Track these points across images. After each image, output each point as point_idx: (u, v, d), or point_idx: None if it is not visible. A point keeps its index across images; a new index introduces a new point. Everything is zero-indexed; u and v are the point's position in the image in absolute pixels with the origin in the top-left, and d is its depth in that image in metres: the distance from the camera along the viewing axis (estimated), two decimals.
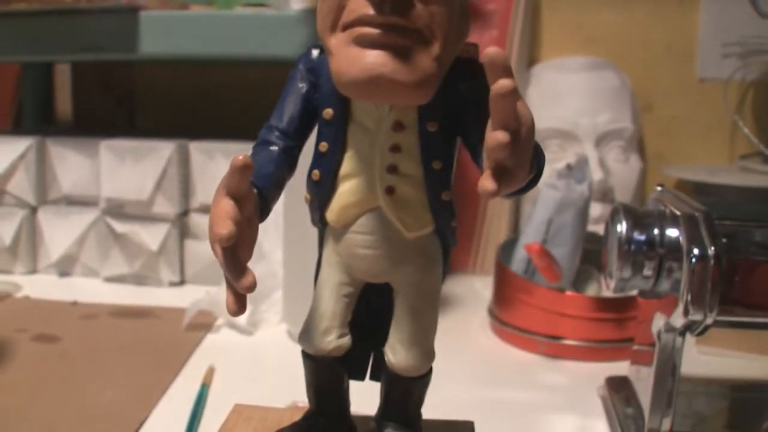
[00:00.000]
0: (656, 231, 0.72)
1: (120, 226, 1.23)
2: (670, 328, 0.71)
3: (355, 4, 0.44)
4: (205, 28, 1.15)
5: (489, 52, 0.38)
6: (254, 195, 0.45)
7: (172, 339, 1.02)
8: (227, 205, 0.42)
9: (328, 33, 0.45)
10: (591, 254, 1.11)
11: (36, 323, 1.07)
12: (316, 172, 0.50)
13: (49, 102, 1.64)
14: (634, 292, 0.79)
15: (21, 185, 1.29)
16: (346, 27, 0.44)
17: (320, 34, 0.46)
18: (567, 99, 1.34)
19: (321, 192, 0.50)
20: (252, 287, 0.42)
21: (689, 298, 0.66)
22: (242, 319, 1.04)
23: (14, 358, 0.95)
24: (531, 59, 1.47)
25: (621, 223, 0.73)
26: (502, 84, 0.37)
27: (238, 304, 0.43)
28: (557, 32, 1.50)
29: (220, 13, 1.19)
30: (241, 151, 1.11)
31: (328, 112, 0.49)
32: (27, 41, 1.21)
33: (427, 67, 0.43)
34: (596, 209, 1.23)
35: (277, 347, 1.01)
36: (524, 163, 0.40)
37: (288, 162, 0.50)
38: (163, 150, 1.21)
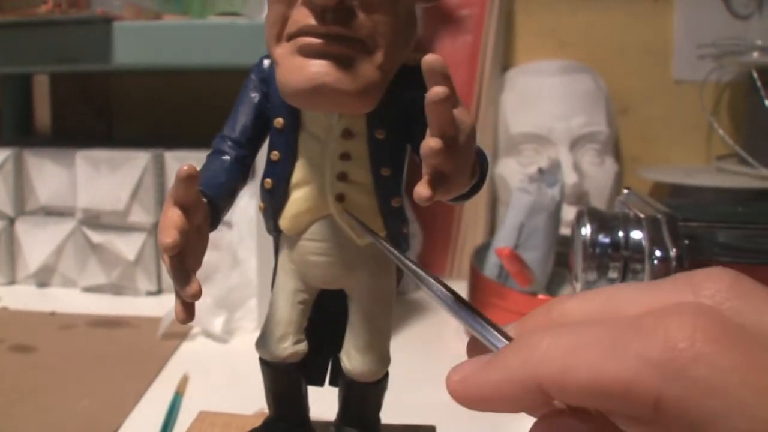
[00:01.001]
0: (621, 234, 0.72)
1: (97, 237, 1.24)
2: None
3: (298, 14, 0.44)
4: (179, 38, 1.15)
5: (427, 59, 0.39)
6: (204, 204, 0.46)
7: (147, 348, 1.03)
8: (174, 215, 0.43)
9: (274, 43, 0.46)
10: (564, 257, 1.11)
11: (14, 334, 1.07)
12: (268, 180, 0.51)
13: (27, 113, 1.65)
14: None
15: None
16: (291, 37, 0.45)
17: (267, 44, 0.47)
18: (541, 103, 1.35)
19: (274, 200, 0.51)
20: (197, 296, 0.42)
21: None
22: (217, 327, 1.05)
23: None
24: (506, 64, 1.47)
25: (586, 226, 0.74)
26: (436, 91, 0.38)
27: (186, 312, 0.44)
28: (532, 36, 1.50)
29: (193, 22, 1.20)
30: None
31: (279, 121, 0.49)
32: (2, 53, 1.21)
33: (370, 76, 0.44)
34: (570, 212, 1.23)
35: (251, 355, 1.00)
36: (463, 169, 0.41)
37: (241, 171, 0.50)
38: (139, 159, 1.22)
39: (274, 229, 0.52)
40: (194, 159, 1.18)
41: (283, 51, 0.45)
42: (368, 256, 0.51)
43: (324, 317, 0.54)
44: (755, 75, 1.35)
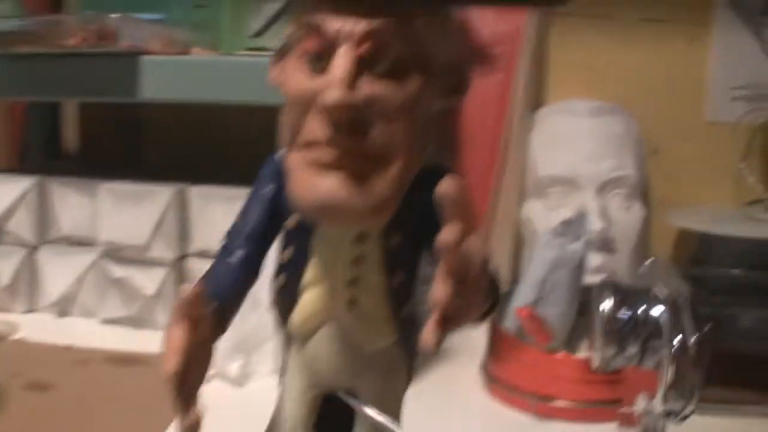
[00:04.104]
0: (641, 310, 0.71)
1: (117, 270, 1.23)
2: (650, 412, 0.70)
3: (312, 124, 0.43)
4: (207, 74, 1.14)
5: (441, 187, 0.38)
6: (210, 316, 0.45)
7: (164, 390, 1.01)
8: (177, 335, 0.42)
9: (288, 149, 0.45)
10: (587, 308, 1.10)
11: (30, 369, 1.06)
12: (279, 280, 0.50)
13: (56, 135, 1.64)
14: None
15: (21, 224, 1.28)
16: (304, 146, 0.44)
17: (283, 145, 0.46)
18: (570, 145, 1.32)
19: (284, 299, 0.50)
20: (195, 430, 0.42)
21: (669, 386, 0.66)
22: (233, 371, 1.04)
23: (6, 407, 0.95)
24: (537, 102, 1.45)
25: (607, 301, 0.73)
26: (444, 239, 0.36)
27: None
28: (564, 74, 1.49)
29: (222, 59, 1.19)
30: (241, 197, 1.10)
31: (292, 221, 0.48)
32: (30, 83, 1.21)
33: (384, 191, 0.43)
34: (596, 259, 1.21)
35: (267, 400, 1.00)
36: (472, 305, 0.40)
37: (251, 269, 0.50)
38: (162, 194, 1.21)
39: (284, 327, 0.51)
40: (217, 196, 1.18)
41: (296, 160, 0.44)
42: (377, 361, 0.50)
43: (334, 412, 0.53)
44: None
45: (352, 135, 0.42)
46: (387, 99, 0.43)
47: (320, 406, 0.53)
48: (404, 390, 0.52)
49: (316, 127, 0.43)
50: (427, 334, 0.38)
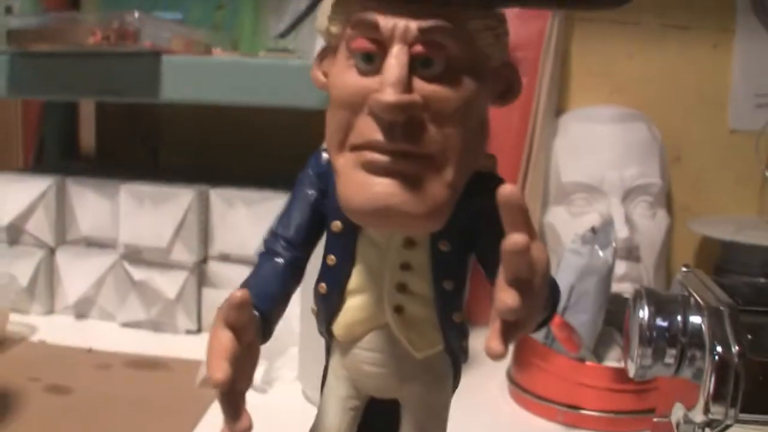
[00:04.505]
0: (679, 318, 0.70)
1: (138, 273, 1.22)
2: (689, 421, 0.69)
3: (364, 126, 0.42)
4: (229, 75, 1.13)
5: (503, 192, 0.36)
6: (255, 320, 0.44)
7: (185, 395, 1.00)
8: (225, 339, 0.41)
9: (336, 151, 0.44)
10: (614, 316, 1.09)
11: (49, 372, 1.05)
12: (323, 285, 0.49)
13: (72, 136, 1.64)
14: None
15: (40, 225, 1.28)
16: (354, 148, 0.42)
17: (328, 148, 0.45)
18: (594, 152, 1.32)
19: (328, 305, 0.49)
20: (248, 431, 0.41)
21: (711, 396, 0.65)
22: (256, 376, 1.02)
23: (26, 410, 0.94)
24: (559, 108, 1.44)
25: (643, 309, 0.71)
26: (515, 241, 0.35)
27: None
28: (586, 79, 1.48)
29: (244, 60, 1.18)
30: (262, 200, 1.10)
31: (336, 225, 0.47)
32: (49, 81, 1.20)
33: (439, 196, 0.42)
34: (621, 267, 1.21)
35: (290, 408, 0.99)
36: (535, 312, 0.39)
37: (294, 275, 0.49)
38: (183, 196, 1.20)
39: (327, 333, 0.50)
40: (238, 198, 1.17)
41: (345, 162, 0.43)
42: (424, 368, 0.49)
43: (375, 424, 0.52)
44: None
45: (407, 137, 0.41)
46: (442, 101, 0.42)
47: (363, 414, 0.52)
48: (450, 397, 0.51)
49: (367, 129, 0.42)
50: (493, 341, 0.37)
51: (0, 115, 1.60)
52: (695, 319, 0.69)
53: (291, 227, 0.49)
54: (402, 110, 0.40)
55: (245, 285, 0.47)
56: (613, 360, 1.07)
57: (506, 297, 0.36)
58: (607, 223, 1.10)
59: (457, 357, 0.50)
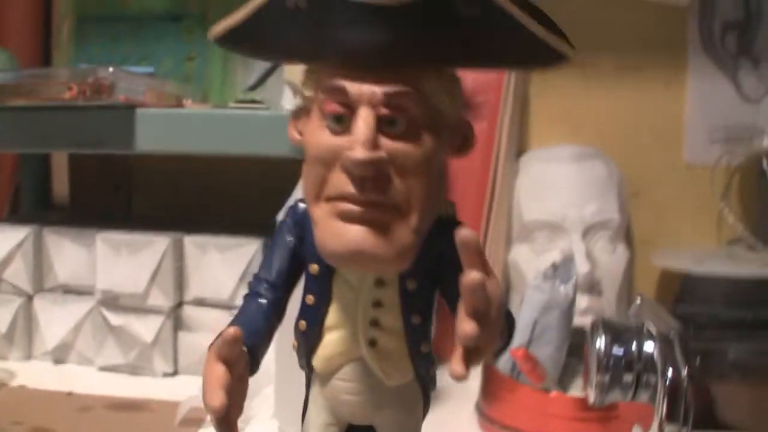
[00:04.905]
0: (634, 345, 0.74)
1: (115, 318, 1.25)
2: None
3: (337, 179, 0.47)
4: (201, 127, 1.16)
5: (461, 235, 0.41)
6: (245, 355, 0.48)
7: None
8: (219, 372, 0.45)
9: (313, 202, 0.49)
10: (578, 348, 1.12)
11: (32, 415, 1.07)
12: (303, 322, 0.53)
13: (46, 185, 1.66)
14: None
15: (18, 273, 1.30)
16: (330, 199, 0.47)
17: (306, 200, 0.50)
18: (555, 190, 1.35)
19: (308, 341, 0.53)
20: None
21: (664, 416, 0.69)
22: None
23: None
24: (520, 148, 1.48)
25: (600, 338, 0.75)
26: (472, 278, 0.40)
27: None
28: (546, 120, 1.51)
29: (214, 112, 1.21)
30: (235, 246, 1.13)
31: (314, 268, 0.52)
32: (25, 135, 1.22)
33: (405, 240, 0.47)
34: (583, 301, 1.24)
35: None
36: (493, 339, 0.44)
37: (277, 313, 0.54)
38: (158, 243, 1.23)
39: (307, 366, 0.55)
40: (212, 244, 1.21)
41: (322, 212, 0.48)
42: (397, 396, 0.53)
43: None
44: (765, 163, 1.36)
45: (376, 189, 0.47)
46: (406, 156, 0.48)
47: None
48: (421, 422, 0.56)
49: (341, 182, 0.47)
50: (456, 365, 0.42)
51: None
52: (648, 346, 0.74)
53: (272, 271, 0.54)
54: (371, 166, 0.46)
55: (234, 323, 0.51)
56: (577, 389, 1.11)
57: (466, 326, 0.41)
58: (568, 259, 1.14)
59: (426, 385, 0.55)
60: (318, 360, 0.54)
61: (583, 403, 0.99)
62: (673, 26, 1.48)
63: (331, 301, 0.52)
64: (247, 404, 1.04)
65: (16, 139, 1.25)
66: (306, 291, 0.53)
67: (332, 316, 0.53)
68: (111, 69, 1.13)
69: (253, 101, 1.23)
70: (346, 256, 0.47)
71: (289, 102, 1.18)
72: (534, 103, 1.51)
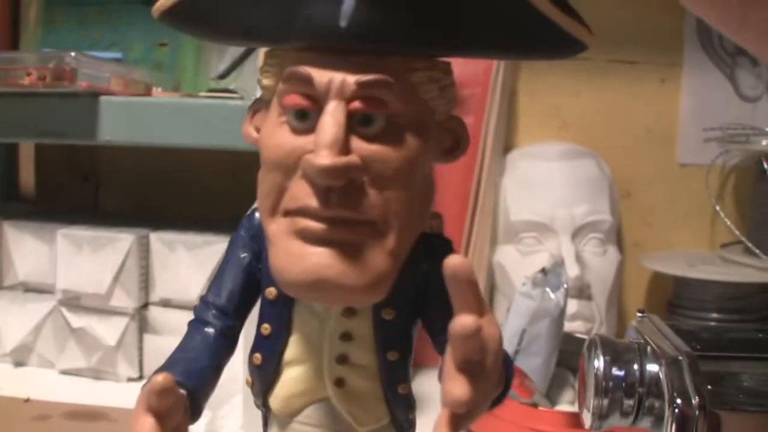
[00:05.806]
0: (636, 367, 0.68)
1: (76, 320, 1.18)
2: None
3: (298, 190, 0.39)
4: (169, 116, 1.10)
5: (451, 264, 0.34)
6: (181, 403, 0.40)
7: None
8: (147, 426, 0.37)
9: (268, 216, 0.41)
10: (566, 356, 1.07)
11: None
12: (257, 355, 0.46)
13: (12, 176, 1.60)
14: None
15: None
16: (288, 213, 0.40)
17: (260, 213, 0.42)
18: (543, 190, 1.30)
19: (264, 377, 0.46)
20: None
21: None
22: (200, 426, 1.00)
23: None
24: (507, 145, 1.43)
25: (598, 359, 0.69)
26: (464, 325, 0.33)
27: None
28: (534, 117, 1.46)
29: (184, 100, 1.15)
30: (204, 244, 1.07)
31: (271, 291, 0.44)
32: None
33: (379, 266, 0.39)
34: (573, 306, 1.19)
35: None
36: (488, 396, 0.36)
37: (227, 345, 0.46)
38: (123, 241, 1.17)
39: (263, 406, 0.47)
40: (180, 242, 1.15)
41: (278, 229, 0.40)
42: None
43: None
44: (765, 163, 1.31)
45: (344, 203, 0.38)
46: (383, 162, 0.39)
47: None
48: None
49: (301, 194, 0.39)
50: (440, 428, 0.34)
51: None
52: (652, 368, 0.68)
53: (222, 294, 0.46)
54: (338, 174, 0.37)
55: (172, 359, 0.44)
56: (566, 402, 1.05)
57: (455, 388, 0.33)
58: (558, 264, 1.08)
59: (403, 431, 0.46)
60: (276, 400, 0.46)
61: (572, 418, 0.95)
62: (669, 19, 1.43)
63: (291, 332, 0.45)
64: (214, 414, 1.00)
65: None
66: (262, 319, 0.45)
67: (292, 349, 0.45)
68: (73, 54, 1.06)
69: (227, 90, 1.17)
70: (307, 285, 0.39)
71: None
72: (522, 98, 1.46)
